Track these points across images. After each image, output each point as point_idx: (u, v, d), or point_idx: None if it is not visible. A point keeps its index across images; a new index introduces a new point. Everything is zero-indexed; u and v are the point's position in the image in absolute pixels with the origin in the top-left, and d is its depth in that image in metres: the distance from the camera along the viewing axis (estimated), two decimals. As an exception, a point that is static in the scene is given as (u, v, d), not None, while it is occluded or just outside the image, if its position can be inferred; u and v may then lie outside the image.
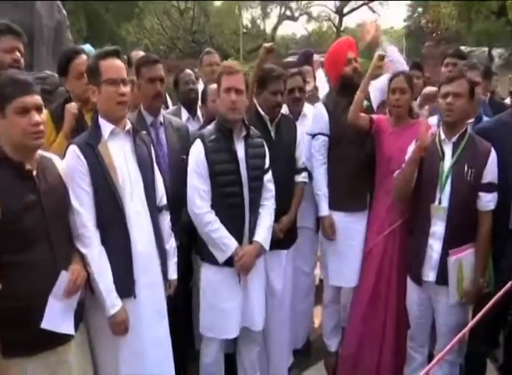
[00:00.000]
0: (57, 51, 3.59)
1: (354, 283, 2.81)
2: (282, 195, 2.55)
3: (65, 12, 4.15)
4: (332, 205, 2.78)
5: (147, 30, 23.39)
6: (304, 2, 27.00)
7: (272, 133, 2.61)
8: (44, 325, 1.64)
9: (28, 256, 1.62)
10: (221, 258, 2.28)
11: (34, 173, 1.68)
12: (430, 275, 2.33)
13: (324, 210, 2.78)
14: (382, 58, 2.62)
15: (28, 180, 1.65)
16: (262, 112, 2.59)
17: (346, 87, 2.77)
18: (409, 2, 22.83)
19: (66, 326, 1.71)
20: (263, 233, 2.35)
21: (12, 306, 1.59)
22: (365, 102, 2.79)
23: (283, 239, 2.61)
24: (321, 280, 3.22)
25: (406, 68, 2.77)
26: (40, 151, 1.77)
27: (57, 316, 1.68)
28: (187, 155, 2.35)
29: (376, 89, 2.83)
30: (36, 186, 1.67)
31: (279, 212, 2.58)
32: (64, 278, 1.71)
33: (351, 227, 2.78)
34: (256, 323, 2.42)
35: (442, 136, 2.34)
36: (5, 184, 1.58)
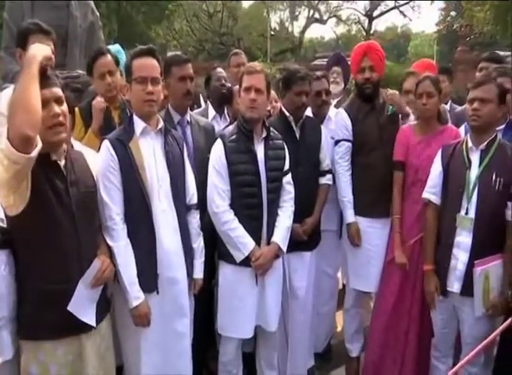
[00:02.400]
0: (89, 51, 3.68)
1: (374, 288, 2.79)
2: (306, 197, 2.56)
3: (98, 13, 4.26)
4: (356, 211, 2.76)
5: (176, 32, 23.71)
6: (333, 5, 26.85)
7: (297, 134, 2.60)
8: (70, 308, 1.69)
9: (56, 244, 1.68)
10: (238, 257, 2.29)
11: (62, 163, 1.73)
12: (455, 286, 2.27)
13: (349, 217, 2.76)
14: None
15: (55, 171, 1.71)
16: (287, 113, 2.59)
17: (361, 95, 2.77)
18: (442, 6, 22.43)
19: (88, 316, 1.75)
20: (281, 235, 2.35)
21: (45, 290, 1.66)
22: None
23: (307, 241, 2.60)
24: (344, 285, 3.19)
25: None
26: (72, 144, 1.83)
27: (82, 303, 1.73)
28: None
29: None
30: (64, 176, 1.72)
31: (303, 214, 2.58)
32: (95, 267, 1.76)
33: (373, 233, 2.75)
34: (270, 324, 2.41)
35: (470, 144, 2.28)
36: (35, 174, 1.62)
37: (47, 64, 1.62)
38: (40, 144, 1.55)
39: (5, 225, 1.69)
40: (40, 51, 1.62)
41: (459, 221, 2.24)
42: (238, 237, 2.26)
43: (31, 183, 1.60)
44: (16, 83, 1.59)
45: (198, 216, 2.23)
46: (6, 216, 1.66)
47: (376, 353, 2.74)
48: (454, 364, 2.45)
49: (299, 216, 2.54)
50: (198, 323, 2.27)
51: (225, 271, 2.37)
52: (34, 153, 1.52)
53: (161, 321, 2.01)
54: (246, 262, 2.29)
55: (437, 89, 2.54)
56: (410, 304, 2.62)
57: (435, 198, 2.39)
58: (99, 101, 2.29)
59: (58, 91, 1.69)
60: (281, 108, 2.65)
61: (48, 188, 1.66)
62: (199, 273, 2.19)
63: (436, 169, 2.39)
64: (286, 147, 2.43)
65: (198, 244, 2.20)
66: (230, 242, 2.29)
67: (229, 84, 3.25)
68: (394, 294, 2.65)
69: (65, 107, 1.71)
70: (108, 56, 2.42)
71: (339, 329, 3.37)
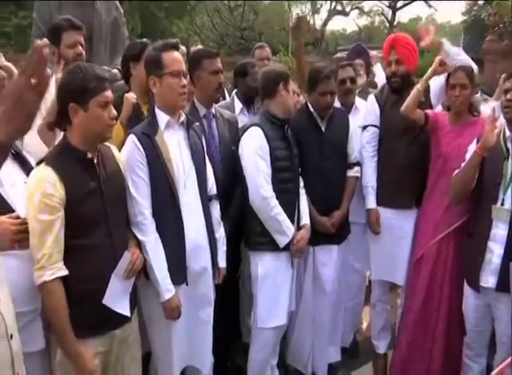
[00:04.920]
0: (113, 47, 3.70)
1: (399, 280, 2.75)
2: (333, 190, 2.57)
3: (121, 9, 4.29)
4: (378, 200, 2.74)
5: (197, 27, 23.78)
6: (356, -4, 26.39)
7: (323, 128, 2.58)
8: (105, 301, 1.71)
9: (89, 241, 1.69)
10: (282, 242, 2.32)
11: (95, 161, 1.75)
12: (490, 281, 2.20)
13: (371, 203, 2.74)
14: (443, 63, 2.52)
15: (90, 168, 1.72)
16: (312, 109, 2.57)
17: (390, 87, 2.75)
18: (468, -5, 21.72)
19: (122, 307, 1.77)
20: (307, 217, 2.46)
21: (77, 289, 1.66)
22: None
23: (335, 234, 2.58)
24: (370, 281, 3.14)
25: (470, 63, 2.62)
26: None
27: (116, 295, 1.74)
28: (237, 146, 2.38)
29: (434, 89, 2.70)
30: (96, 173, 1.73)
31: (331, 207, 2.58)
32: (126, 258, 1.78)
33: (396, 224, 2.71)
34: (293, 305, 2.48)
35: (508, 133, 2.20)
36: (70, 173, 1.64)
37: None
38: None
39: None
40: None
41: (495, 213, 2.18)
42: (284, 221, 2.31)
43: (67, 182, 1.61)
44: None
45: (218, 207, 2.24)
46: None
47: (404, 350, 2.69)
48: (488, 364, 2.39)
49: (326, 210, 2.55)
50: (222, 315, 2.28)
51: (264, 261, 2.37)
52: None
53: (188, 311, 2.04)
54: (284, 246, 2.33)
55: (471, 80, 2.45)
56: (438, 301, 2.57)
57: None
58: (132, 95, 2.31)
59: (111, 94, 1.73)
60: (306, 102, 2.62)
61: (82, 186, 1.68)
62: (222, 262, 2.21)
63: None
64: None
65: (220, 233, 2.22)
66: (276, 227, 2.32)
67: None
68: (423, 291, 2.60)
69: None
70: None
71: (364, 325, 3.33)
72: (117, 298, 1.74)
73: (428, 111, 2.61)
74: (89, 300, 1.68)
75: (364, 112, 2.86)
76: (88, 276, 1.68)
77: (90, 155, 1.72)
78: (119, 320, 1.78)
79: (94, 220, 1.70)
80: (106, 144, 1.88)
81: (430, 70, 2.56)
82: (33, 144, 2.09)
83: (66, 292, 1.64)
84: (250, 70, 3.09)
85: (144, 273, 1.94)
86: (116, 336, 1.78)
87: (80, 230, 1.67)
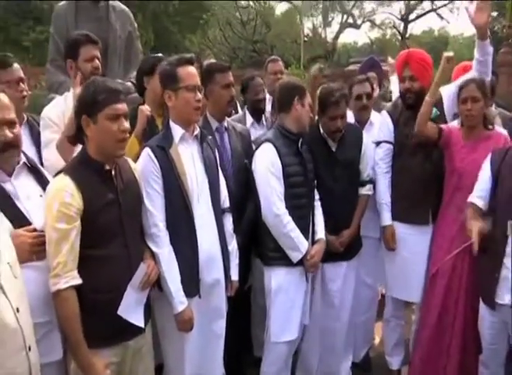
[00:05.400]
0: (127, 60, 3.76)
1: (415, 298, 2.70)
2: (343, 210, 2.56)
3: (135, 24, 4.37)
4: (394, 216, 2.71)
5: (210, 41, 24.09)
6: (367, 10, 26.52)
7: (333, 148, 2.57)
8: (120, 312, 1.72)
9: (105, 251, 1.71)
10: (295, 257, 2.31)
11: (113, 172, 1.77)
12: (506, 298, 2.15)
13: (386, 220, 2.71)
14: (450, 59, 2.46)
15: (107, 180, 1.75)
16: (322, 130, 2.56)
17: (403, 103, 2.72)
18: (481, 7, 21.51)
19: (137, 318, 1.77)
20: (323, 231, 2.45)
21: (92, 299, 1.67)
22: (434, 111, 2.66)
23: (344, 251, 2.57)
24: (382, 295, 3.10)
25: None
26: None
27: (131, 306, 1.75)
28: (250, 159, 2.38)
29: (447, 99, 2.68)
30: (114, 185, 1.76)
31: (340, 228, 2.56)
32: (142, 270, 1.79)
33: (412, 240, 2.68)
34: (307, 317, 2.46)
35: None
36: (88, 183, 1.67)
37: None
38: None
39: None
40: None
41: (510, 229, 2.13)
42: (297, 237, 2.31)
43: (85, 193, 1.64)
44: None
45: (231, 219, 2.25)
46: None
47: (418, 367, 2.64)
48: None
49: (336, 228, 2.53)
50: (233, 327, 2.27)
51: (278, 275, 2.36)
52: None
53: (201, 323, 2.04)
54: (298, 261, 2.33)
55: (483, 93, 2.43)
56: (453, 317, 2.52)
57: (482, 203, 2.28)
58: (146, 108, 2.34)
59: (126, 106, 1.74)
60: (318, 122, 2.61)
61: (100, 197, 1.70)
62: (235, 274, 2.21)
63: (485, 174, 2.29)
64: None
65: (233, 246, 2.22)
66: (290, 243, 2.31)
67: (266, 94, 3.25)
68: (437, 307, 2.56)
69: (128, 123, 1.75)
70: None
71: (377, 341, 3.27)
72: (132, 309, 1.75)
73: (443, 125, 2.58)
74: (103, 310, 1.69)
75: (379, 127, 2.82)
76: (103, 286, 1.69)
77: (107, 167, 1.75)
78: (133, 331, 1.78)
79: (111, 231, 1.71)
80: None
81: (438, 72, 2.50)
82: (51, 160, 2.13)
83: (81, 302, 1.65)
84: (250, 83, 3.11)
85: (157, 284, 1.95)
86: (130, 347, 1.79)
87: (96, 241, 1.69)
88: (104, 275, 1.69)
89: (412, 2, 24.66)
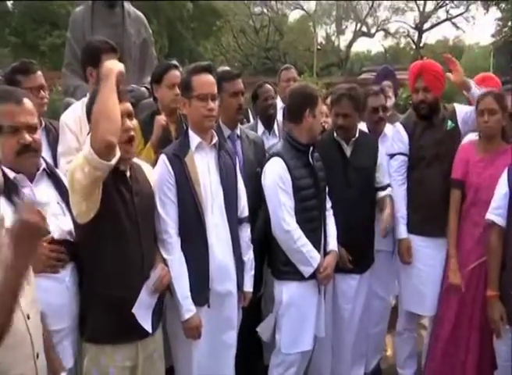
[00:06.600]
0: (141, 66, 3.78)
1: (429, 311, 2.65)
2: (355, 219, 2.49)
3: (150, 30, 4.41)
4: (409, 228, 2.66)
5: (223, 47, 24.27)
6: (381, 18, 26.51)
7: (347, 153, 2.54)
8: (135, 310, 1.73)
9: (121, 252, 1.72)
10: (307, 272, 2.27)
11: (128, 174, 1.78)
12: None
13: (402, 233, 2.66)
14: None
15: (123, 181, 1.76)
16: (335, 133, 2.55)
17: (417, 114, 2.69)
18: (498, 16, 21.43)
19: (145, 321, 1.77)
20: (335, 242, 2.41)
21: (109, 296, 1.70)
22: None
23: (356, 263, 2.50)
24: (394, 307, 3.05)
25: None
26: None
27: (143, 308, 1.76)
28: (262, 167, 2.37)
29: (463, 113, 2.65)
30: (129, 185, 1.77)
31: (352, 237, 2.47)
32: (157, 272, 1.81)
33: (427, 252, 2.63)
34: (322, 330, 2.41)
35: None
36: (104, 183, 1.67)
37: (119, 79, 1.67)
38: (118, 153, 1.61)
39: (72, 239, 1.73)
40: (116, 66, 1.69)
41: None
42: (308, 252, 2.26)
43: (101, 191, 1.64)
44: (92, 95, 1.70)
45: (249, 229, 2.23)
46: (75, 226, 1.71)
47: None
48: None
49: (347, 240, 2.46)
50: (244, 335, 2.25)
51: (289, 289, 2.31)
52: (114, 160, 1.59)
53: (210, 333, 2.03)
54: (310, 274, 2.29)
55: (501, 106, 2.39)
56: (468, 332, 2.47)
57: (500, 220, 2.24)
58: (162, 117, 2.35)
59: (129, 105, 1.75)
60: (332, 128, 2.61)
61: (115, 197, 1.71)
62: (249, 286, 2.18)
63: (502, 189, 2.25)
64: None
65: (248, 256, 2.20)
66: (301, 258, 2.27)
67: (277, 101, 3.23)
68: (451, 321, 2.51)
69: (135, 121, 1.76)
70: (178, 71, 2.49)
71: (389, 352, 3.22)
72: (143, 310, 1.76)
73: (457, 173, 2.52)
74: (114, 307, 1.71)
75: (392, 139, 2.78)
76: (116, 283, 1.71)
77: (122, 168, 1.76)
78: (140, 333, 1.78)
79: (127, 231, 1.73)
80: (136, 161, 1.91)
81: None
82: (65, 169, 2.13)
83: (94, 298, 1.69)
84: (259, 91, 3.10)
85: (169, 290, 1.95)
86: (141, 351, 1.79)
87: (113, 241, 1.70)
88: (117, 272, 1.71)
89: (427, 11, 24.59)
